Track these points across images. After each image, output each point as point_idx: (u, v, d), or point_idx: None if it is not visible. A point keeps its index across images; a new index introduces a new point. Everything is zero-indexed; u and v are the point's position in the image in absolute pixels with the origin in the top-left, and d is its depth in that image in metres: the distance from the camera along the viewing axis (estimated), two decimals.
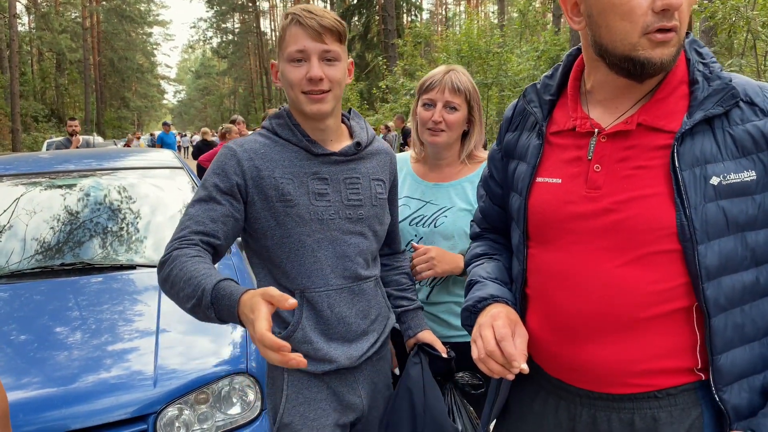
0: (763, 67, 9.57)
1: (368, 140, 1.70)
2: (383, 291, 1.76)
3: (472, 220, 1.61)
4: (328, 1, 34.35)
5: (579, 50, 1.27)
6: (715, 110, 1.08)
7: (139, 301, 2.52)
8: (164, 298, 2.46)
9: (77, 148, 8.40)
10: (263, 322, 1.11)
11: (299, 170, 1.58)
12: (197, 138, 15.33)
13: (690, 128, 1.08)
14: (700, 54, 1.16)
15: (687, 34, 1.17)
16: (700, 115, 1.08)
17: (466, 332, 1.91)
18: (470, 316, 1.30)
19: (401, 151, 11.01)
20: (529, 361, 1.24)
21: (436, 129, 1.94)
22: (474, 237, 1.57)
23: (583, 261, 1.16)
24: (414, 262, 1.90)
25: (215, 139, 10.91)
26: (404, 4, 30.17)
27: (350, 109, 1.79)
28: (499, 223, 1.47)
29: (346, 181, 1.62)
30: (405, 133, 13.01)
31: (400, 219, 2.01)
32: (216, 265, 1.52)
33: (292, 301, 1.12)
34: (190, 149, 23.20)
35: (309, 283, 1.58)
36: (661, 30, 1.04)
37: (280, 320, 1.60)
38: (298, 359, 1.09)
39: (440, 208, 1.98)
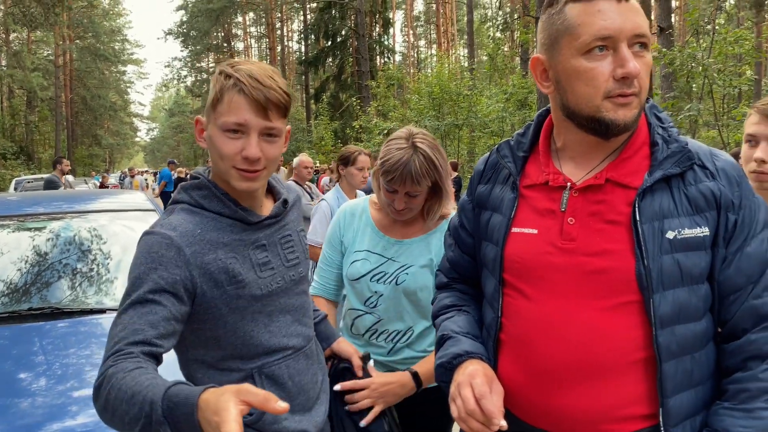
0: (720, 110, 9.96)
1: (288, 195, 1.60)
2: (320, 349, 1.70)
3: (438, 270, 1.62)
4: (303, 44, 34.85)
5: (548, 111, 1.36)
6: (673, 170, 1.17)
7: (101, 346, 2.51)
8: None
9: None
10: (232, 425, 0.91)
11: (239, 244, 1.43)
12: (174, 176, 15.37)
13: (650, 185, 1.17)
14: (659, 119, 1.26)
15: (648, 99, 1.26)
16: (660, 174, 1.17)
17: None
18: (446, 372, 1.34)
19: None
20: (506, 412, 1.27)
21: (399, 213, 1.93)
22: (441, 287, 1.60)
23: (562, 309, 1.22)
24: (357, 399, 1.76)
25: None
26: (377, 47, 30.75)
27: None
28: (468, 272, 1.52)
29: (281, 241, 1.53)
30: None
31: (360, 274, 2.00)
32: None
33: (283, 405, 0.96)
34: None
35: (267, 359, 1.46)
36: (622, 95, 1.14)
37: None
38: None
39: (402, 266, 1.96)
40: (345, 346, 1.80)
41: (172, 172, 15.81)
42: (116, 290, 3.01)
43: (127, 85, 58.52)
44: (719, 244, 1.17)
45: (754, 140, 1.80)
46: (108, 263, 3.17)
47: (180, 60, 50.66)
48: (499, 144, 1.43)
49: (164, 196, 15.10)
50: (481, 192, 1.44)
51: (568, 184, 1.25)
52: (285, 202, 1.56)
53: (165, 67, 62.79)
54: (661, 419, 1.16)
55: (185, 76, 51.63)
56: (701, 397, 1.19)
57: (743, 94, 14.23)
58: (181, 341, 1.41)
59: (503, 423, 1.17)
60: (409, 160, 1.83)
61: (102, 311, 2.80)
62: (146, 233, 1.37)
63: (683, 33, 22.73)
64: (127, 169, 18.58)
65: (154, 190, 23.17)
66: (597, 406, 1.19)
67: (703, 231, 1.16)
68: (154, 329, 1.23)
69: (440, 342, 1.42)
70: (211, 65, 52.14)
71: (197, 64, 51.44)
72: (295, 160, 6.45)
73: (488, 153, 1.48)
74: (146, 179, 21.84)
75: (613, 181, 1.21)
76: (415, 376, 1.84)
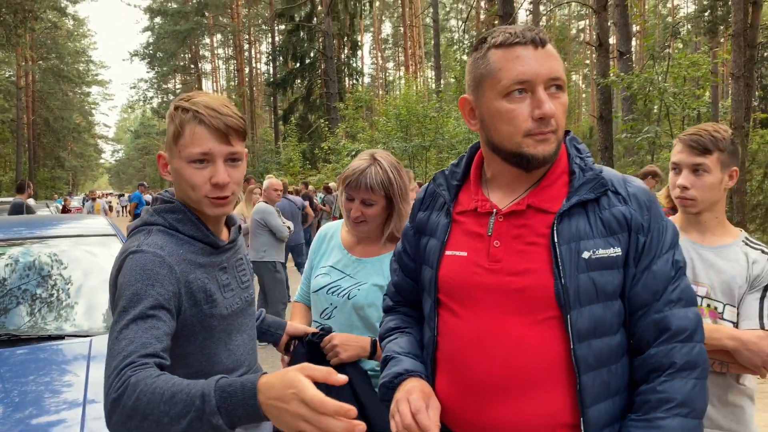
0: (678, 132, 10.29)
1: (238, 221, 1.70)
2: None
3: (385, 294, 1.70)
4: (271, 65, 34.94)
5: (479, 144, 1.46)
6: (588, 195, 1.27)
7: (67, 372, 2.48)
8: (93, 366, 2.44)
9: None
10: (312, 389, 0.98)
11: (210, 266, 1.50)
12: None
13: (567, 209, 1.27)
14: (578, 150, 1.37)
15: (567, 132, 1.38)
16: (576, 199, 1.27)
17: None
18: (388, 391, 1.40)
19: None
20: (442, 426, 1.33)
21: (356, 221, 2.05)
22: (387, 310, 1.67)
23: (490, 325, 1.29)
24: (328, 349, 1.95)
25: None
26: (346, 69, 31.01)
27: None
28: (411, 295, 1.60)
29: (235, 264, 1.60)
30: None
31: (319, 286, 2.12)
32: None
33: (342, 377, 1.02)
34: (127, 208, 22.72)
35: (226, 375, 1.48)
36: (540, 133, 1.25)
37: None
38: (362, 426, 0.97)
39: (356, 282, 2.07)
40: (297, 326, 2.01)
41: (144, 195, 15.75)
42: (76, 316, 2.98)
43: (92, 106, 57.73)
44: (630, 263, 1.27)
45: (678, 168, 1.94)
46: (68, 289, 3.13)
47: (146, 81, 50.26)
48: (436, 174, 1.52)
49: (137, 217, 14.94)
50: (420, 218, 1.54)
51: (495, 210, 1.34)
52: (239, 227, 1.64)
53: (131, 88, 62.11)
54: (582, 429, 1.23)
55: (151, 98, 51.16)
56: (619, 407, 1.28)
57: (702, 116, 14.71)
58: None
59: None
60: (366, 168, 2.00)
61: (61, 337, 2.77)
62: (134, 252, 1.40)
63: (642, 58, 23.44)
64: (88, 192, 18.27)
65: (118, 213, 22.80)
66: (526, 418, 1.25)
67: (616, 251, 1.26)
68: (160, 343, 1.26)
69: (384, 362, 1.49)
70: (177, 86, 51.78)
71: (164, 86, 51.05)
72: (265, 183, 6.49)
73: (428, 183, 1.58)
74: (109, 202, 21.44)
75: (534, 207, 1.31)
76: (374, 343, 1.96)
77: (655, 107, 10.26)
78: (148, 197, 15.71)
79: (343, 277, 2.11)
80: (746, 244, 1.89)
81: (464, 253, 1.36)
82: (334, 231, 2.26)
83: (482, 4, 27.22)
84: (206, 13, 40.90)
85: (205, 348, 1.47)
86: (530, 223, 1.30)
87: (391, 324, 1.60)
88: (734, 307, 1.83)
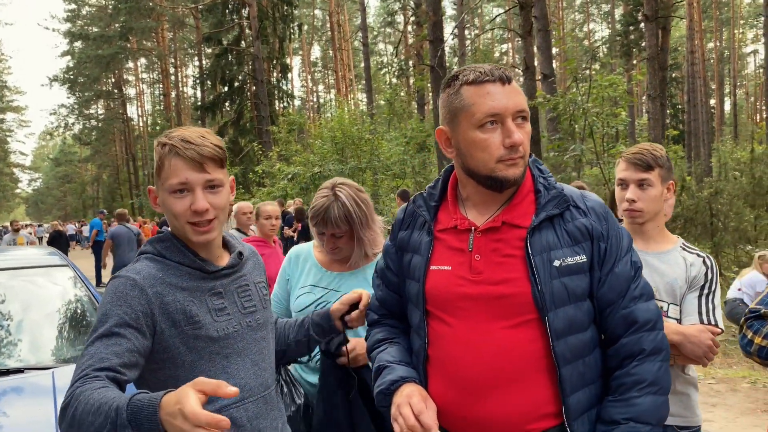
0: (600, 149, 10.88)
1: (243, 249, 1.73)
2: (280, 398, 1.79)
3: (368, 309, 1.80)
4: (199, 89, 34.44)
5: (453, 167, 1.61)
6: (554, 211, 1.45)
7: (33, 405, 2.44)
8: (60, 397, 2.41)
9: None
10: (192, 403, 1.04)
11: (196, 290, 1.55)
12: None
13: (537, 224, 1.44)
14: (540, 170, 1.55)
15: (530, 155, 1.56)
16: (543, 215, 1.45)
17: None
18: (385, 398, 1.52)
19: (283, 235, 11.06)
20: (439, 427, 1.45)
21: (332, 251, 2.19)
22: (372, 323, 1.78)
23: (476, 330, 1.44)
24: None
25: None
26: (276, 92, 30.93)
27: None
28: (395, 307, 1.72)
29: (238, 290, 1.64)
30: (283, 216, 13.13)
31: (305, 305, 2.20)
32: None
33: (233, 389, 1.08)
34: (45, 239, 21.79)
35: (225, 401, 1.51)
36: (510, 159, 1.42)
37: None
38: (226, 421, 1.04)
39: (342, 294, 2.11)
40: (336, 305, 1.86)
41: (102, 221, 15.57)
42: (20, 352, 2.91)
43: (7, 133, 55.03)
44: (595, 267, 1.46)
45: (624, 184, 2.15)
46: (8, 325, 3.06)
47: (67, 107, 48.31)
48: (415, 196, 1.67)
49: (96, 245, 15.50)
50: (402, 237, 1.67)
51: (473, 228, 1.50)
52: (240, 254, 1.69)
53: (50, 114, 59.65)
54: (564, 416, 1.39)
55: (72, 124, 49.14)
56: (594, 394, 1.45)
57: (620, 133, 15.60)
58: (142, 383, 1.51)
59: None
60: (329, 206, 2.13)
61: (21, 371, 2.71)
62: (114, 278, 1.51)
63: (563, 79, 24.62)
64: (8, 223, 17.32)
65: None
66: (515, 411, 1.40)
67: (582, 258, 1.44)
68: (118, 358, 1.34)
69: (377, 372, 1.60)
70: (100, 112, 50.08)
71: (86, 111, 49.22)
72: (234, 208, 6.28)
73: (406, 204, 1.72)
74: (30, 233, 20.34)
75: (507, 223, 1.47)
76: None
77: (577, 126, 10.81)
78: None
79: (327, 292, 2.22)
80: (683, 249, 2.12)
81: (448, 267, 1.50)
82: (306, 252, 2.34)
83: (409, 28, 27.92)
84: (130, 38, 39.88)
85: (195, 369, 1.51)
86: (505, 237, 1.46)
87: (379, 336, 1.71)
88: (677, 305, 2.04)
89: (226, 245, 1.73)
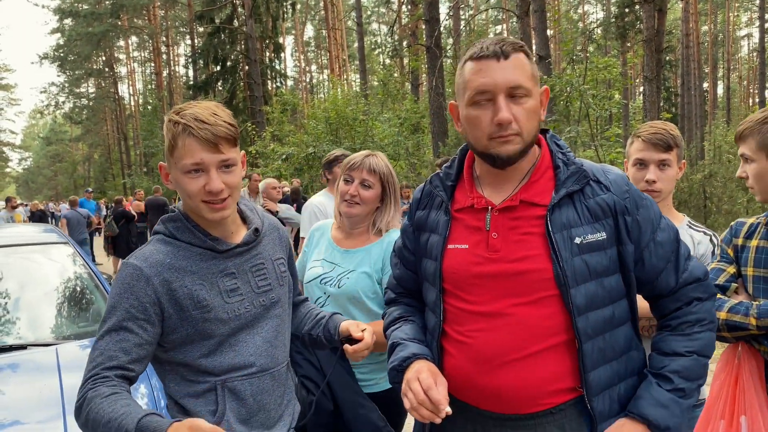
0: (595, 131, 10.90)
1: (262, 224, 1.72)
2: (293, 374, 1.80)
3: (386, 287, 1.83)
4: (191, 68, 34.09)
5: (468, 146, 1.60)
6: (574, 187, 1.44)
7: (38, 382, 2.45)
8: (66, 374, 2.42)
9: None
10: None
11: (207, 272, 1.56)
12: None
13: (557, 202, 1.43)
14: (558, 146, 1.53)
15: (546, 131, 1.55)
16: (563, 192, 1.44)
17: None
18: (397, 374, 1.54)
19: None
20: (451, 398, 1.47)
21: (351, 201, 2.21)
22: (389, 302, 1.80)
23: (494, 307, 1.45)
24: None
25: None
26: (269, 72, 30.67)
27: None
28: (412, 285, 1.73)
29: (252, 269, 1.64)
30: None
31: (312, 278, 2.26)
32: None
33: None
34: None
35: (231, 374, 1.57)
36: (501, 136, 1.41)
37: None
38: None
39: (344, 271, 2.23)
40: (344, 325, 1.84)
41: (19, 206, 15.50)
42: (22, 329, 2.92)
43: None
44: (624, 241, 1.45)
45: (643, 164, 2.13)
46: (7, 303, 3.06)
47: (57, 85, 47.80)
48: (431, 176, 1.67)
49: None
50: (419, 216, 1.68)
51: (490, 207, 1.50)
52: (256, 230, 1.67)
53: (40, 92, 59.00)
54: (585, 391, 1.41)
55: (63, 102, 48.71)
56: (615, 371, 1.46)
57: (614, 116, 15.62)
58: (155, 363, 1.57)
59: (448, 409, 1.39)
60: (368, 156, 2.28)
61: (23, 347, 2.71)
62: (123, 264, 1.55)
63: (559, 60, 24.53)
64: (4, 201, 17.16)
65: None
66: (532, 383, 1.42)
67: (602, 235, 1.43)
68: (126, 355, 1.43)
69: (391, 349, 1.62)
70: (91, 91, 49.53)
71: (76, 90, 48.68)
72: (261, 185, 6.39)
73: (423, 183, 1.72)
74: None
75: (526, 201, 1.47)
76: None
77: (572, 108, 10.83)
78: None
79: (333, 267, 2.27)
80: (690, 227, 2.14)
81: (465, 246, 1.51)
82: (325, 228, 2.42)
83: (404, 8, 27.66)
84: (121, 15, 39.31)
85: (203, 347, 1.55)
86: (524, 215, 1.46)
87: (395, 314, 1.73)
88: None
89: (245, 219, 1.72)
